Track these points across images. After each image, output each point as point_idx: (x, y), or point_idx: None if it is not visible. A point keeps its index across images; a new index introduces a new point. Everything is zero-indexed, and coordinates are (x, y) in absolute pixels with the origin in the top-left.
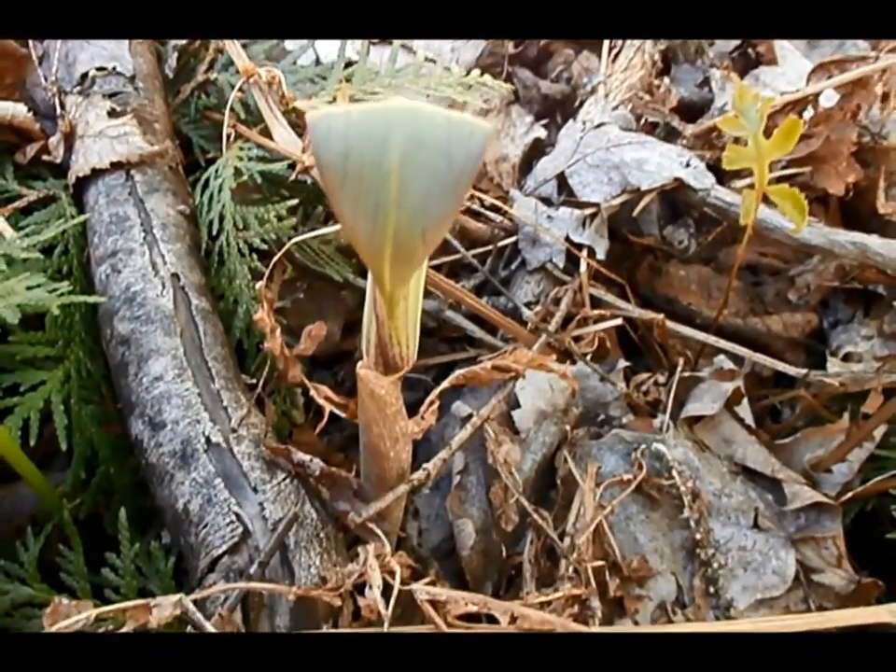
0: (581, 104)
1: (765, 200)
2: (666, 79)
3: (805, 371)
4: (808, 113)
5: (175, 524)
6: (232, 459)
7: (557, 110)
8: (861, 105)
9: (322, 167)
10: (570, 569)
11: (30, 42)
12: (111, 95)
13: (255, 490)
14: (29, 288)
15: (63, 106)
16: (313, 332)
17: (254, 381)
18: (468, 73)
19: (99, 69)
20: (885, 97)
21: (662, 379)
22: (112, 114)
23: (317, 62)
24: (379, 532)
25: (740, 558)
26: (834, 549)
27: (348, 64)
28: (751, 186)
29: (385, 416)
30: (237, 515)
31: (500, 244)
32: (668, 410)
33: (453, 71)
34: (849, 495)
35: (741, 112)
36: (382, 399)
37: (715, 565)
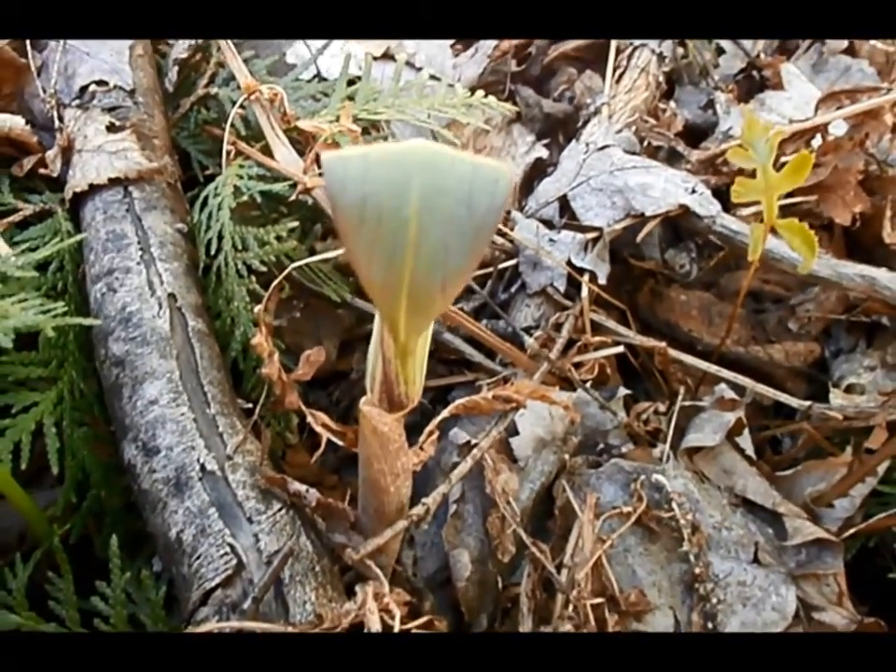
0: (585, 124)
1: (773, 230)
2: (672, 103)
3: (807, 403)
4: (816, 141)
5: (167, 552)
6: (227, 488)
7: (559, 130)
8: (870, 135)
9: (337, 210)
10: (570, 607)
11: (29, 52)
12: (110, 109)
13: (250, 521)
14: (23, 309)
15: (61, 119)
16: (311, 358)
17: (250, 405)
18: (472, 93)
19: (99, 83)
20: (895, 127)
21: (662, 408)
22: (111, 128)
23: (319, 77)
24: (377, 570)
25: (739, 593)
26: (835, 586)
27: (351, 82)
28: (758, 214)
29: (387, 452)
30: (231, 547)
31: (500, 266)
32: (668, 439)
33: (456, 90)
34: (851, 531)
35: (750, 144)
36: (385, 436)
37: (714, 600)
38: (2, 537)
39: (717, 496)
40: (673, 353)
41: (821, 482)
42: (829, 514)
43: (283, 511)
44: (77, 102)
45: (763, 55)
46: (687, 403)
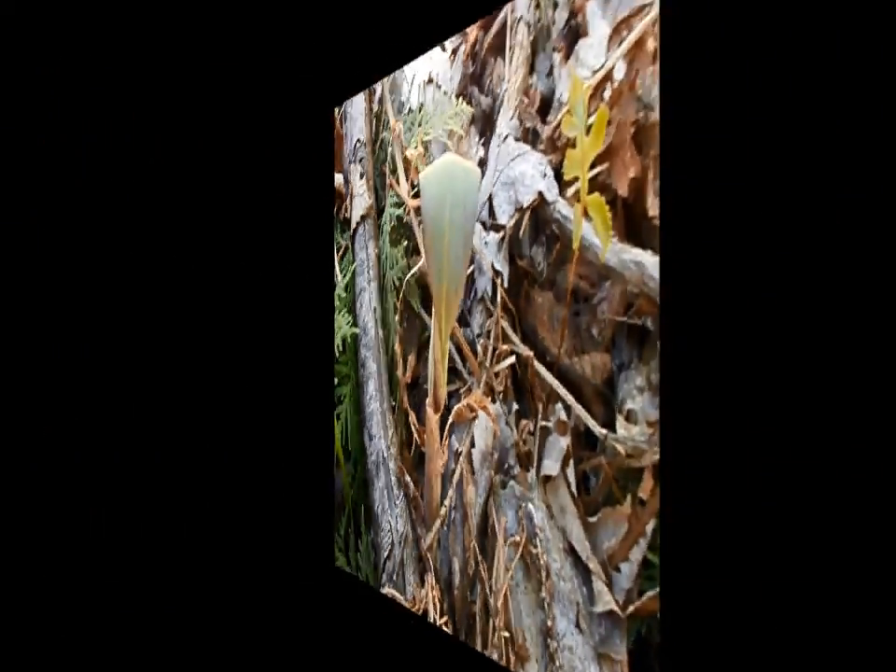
0: (498, 115)
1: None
2: (534, 76)
3: (604, 432)
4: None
5: (373, 522)
6: (389, 474)
7: (488, 125)
8: (640, 71)
9: (424, 225)
10: (495, 636)
11: (345, 126)
12: (360, 160)
13: (394, 504)
14: (346, 322)
15: (348, 173)
16: (410, 363)
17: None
18: (457, 100)
19: (358, 141)
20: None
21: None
22: (360, 176)
23: (410, 111)
24: (432, 563)
25: (569, 662)
26: None
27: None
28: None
29: (433, 451)
30: (390, 524)
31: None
32: (535, 464)
33: (452, 101)
34: (631, 609)
35: (573, 109)
36: (433, 435)
37: (557, 662)
38: (337, 497)
39: (559, 537)
40: (537, 365)
41: (613, 536)
42: (618, 580)
43: (403, 498)
44: (352, 158)
45: None
46: (543, 423)
